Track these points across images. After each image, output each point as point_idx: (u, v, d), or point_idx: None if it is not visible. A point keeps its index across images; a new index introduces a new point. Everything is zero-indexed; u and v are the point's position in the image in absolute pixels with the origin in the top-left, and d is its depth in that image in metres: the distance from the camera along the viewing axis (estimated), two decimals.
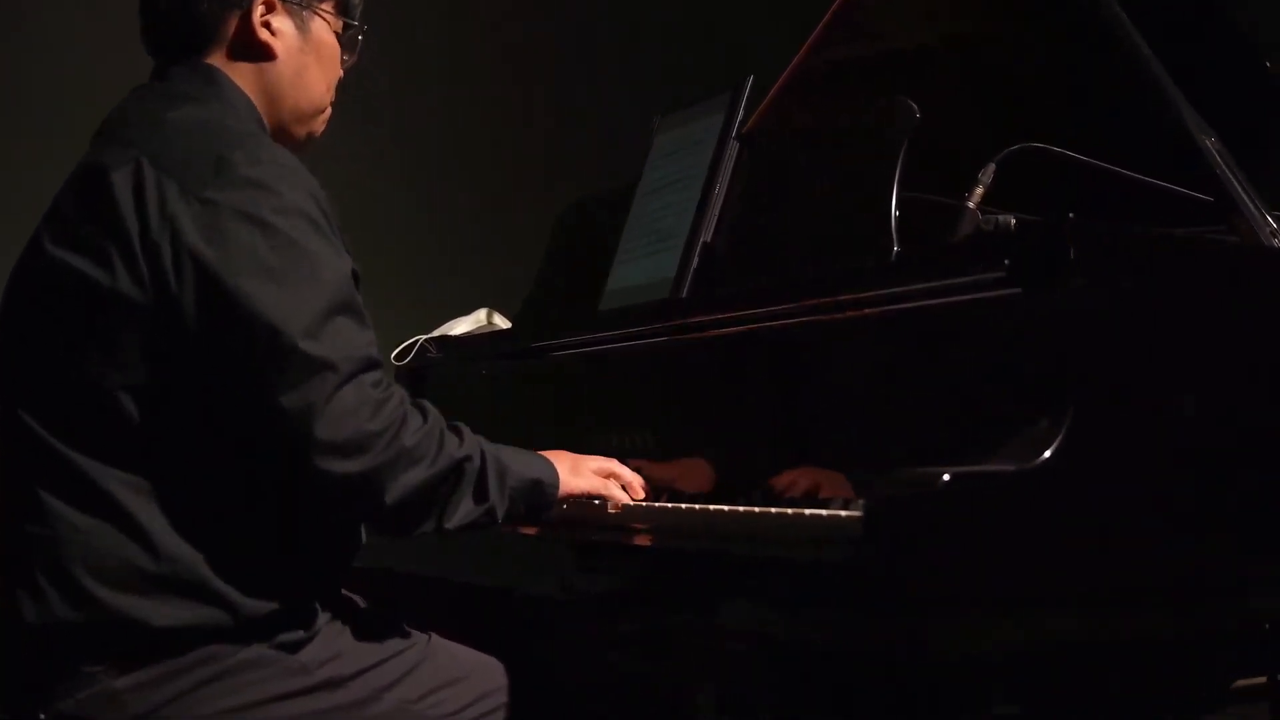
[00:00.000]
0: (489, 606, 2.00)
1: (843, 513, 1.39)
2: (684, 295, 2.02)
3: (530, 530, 1.84)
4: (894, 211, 1.77)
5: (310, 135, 1.77)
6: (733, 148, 2.13)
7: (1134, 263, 1.48)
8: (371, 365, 1.54)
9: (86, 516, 1.49)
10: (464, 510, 1.61)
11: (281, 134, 1.72)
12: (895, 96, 1.88)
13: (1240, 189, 1.82)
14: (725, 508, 1.57)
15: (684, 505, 1.68)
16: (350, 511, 1.58)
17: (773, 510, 1.51)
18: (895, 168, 1.81)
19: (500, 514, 1.65)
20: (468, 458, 1.61)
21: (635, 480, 1.82)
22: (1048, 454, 1.33)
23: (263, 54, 1.68)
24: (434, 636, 1.79)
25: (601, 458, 1.81)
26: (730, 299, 1.86)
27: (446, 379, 2.58)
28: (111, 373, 1.50)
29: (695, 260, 2.07)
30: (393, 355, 2.58)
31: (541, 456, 1.75)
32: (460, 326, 2.66)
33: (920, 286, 1.55)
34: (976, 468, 1.32)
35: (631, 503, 1.79)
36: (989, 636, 1.31)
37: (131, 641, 1.50)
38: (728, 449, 1.81)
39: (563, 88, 3.44)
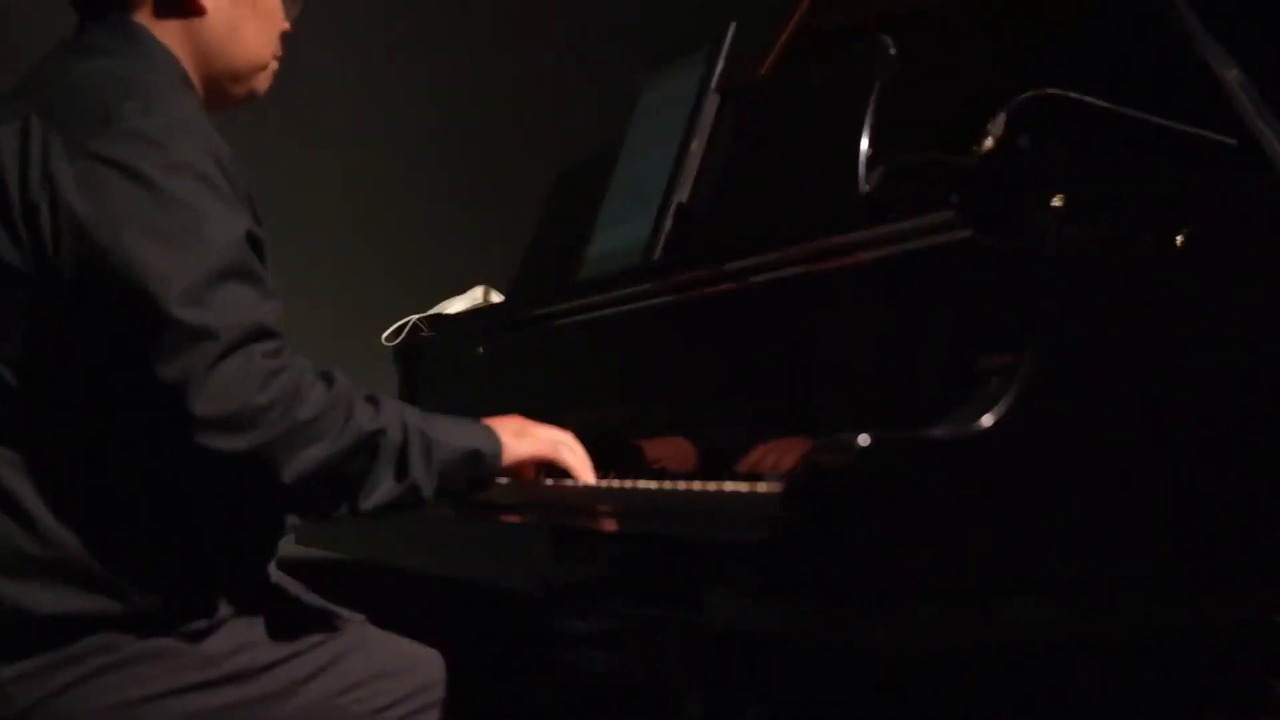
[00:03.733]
0: (428, 594, 1.86)
1: (761, 487, 1.23)
2: (654, 260, 1.87)
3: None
4: (863, 154, 1.59)
5: (252, 93, 1.66)
6: (712, 102, 1.98)
7: (1110, 196, 1.29)
8: (263, 334, 1.41)
9: None
10: (383, 489, 1.47)
11: (219, 93, 1.62)
12: (873, 37, 1.70)
13: (1263, 125, 1.61)
14: (654, 485, 1.43)
15: (613, 484, 1.53)
16: (247, 491, 1.46)
17: (695, 487, 1.35)
18: (867, 110, 1.63)
19: (427, 491, 1.51)
20: (380, 430, 1.47)
21: (583, 459, 1.67)
22: (986, 421, 1.15)
23: (189, 9, 1.57)
24: (367, 626, 1.67)
25: (557, 429, 1.66)
26: (676, 264, 1.71)
27: (439, 358, 2.48)
28: None
29: (669, 223, 1.93)
30: (383, 336, 2.50)
31: (483, 425, 1.60)
32: (456, 305, 2.55)
33: (860, 236, 1.38)
34: (902, 433, 1.14)
35: (585, 481, 1.63)
36: (922, 628, 1.13)
37: (16, 629, 1.40)
38: (687, 424, 1.67)
39: (554, 50, 3.30)
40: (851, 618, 1.10)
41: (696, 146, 1.95)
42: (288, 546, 2.41)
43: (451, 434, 1.54)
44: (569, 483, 1.59)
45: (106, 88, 1.45)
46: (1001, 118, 1.81)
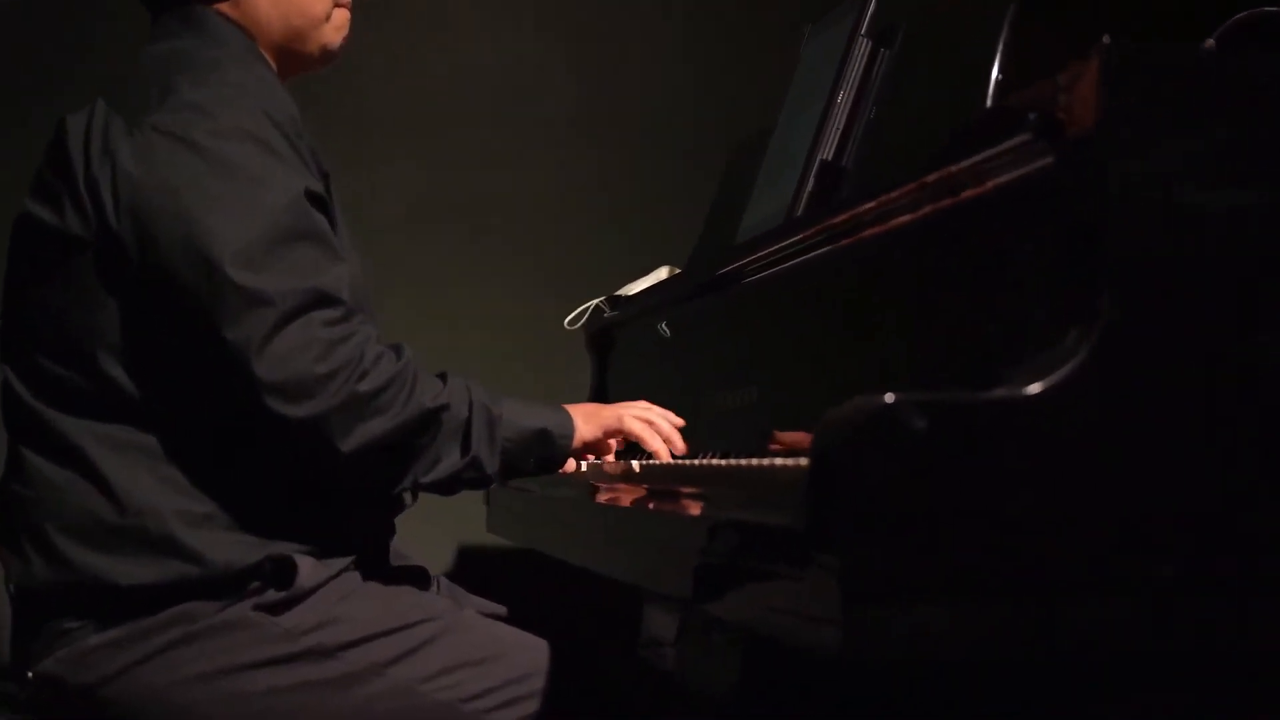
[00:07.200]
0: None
1: (790, 462, 1.06)
2: (783, 222, 1.71)
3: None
4: (993, 77, 1.37)
5: (325, 48, 1.64)
6: (862, 48, 1.79)
7: (1224, 107, 1.03)
8: (323, 300, 1.39)
9: (60, 472, 1.44)
10: (446, 464, 1.46)
11: (292, 56, 1.62)
12: None
13: None
14: (699, 462, 1.28)
15: (680, 462, 1.39)
16: (307, 459, 1.43)
17: (751, 463, 1.19)
18: (1001, 29, 1.41)
19: (490, 467, 1.49)
20: (444, 406, 1.45)
21: (653, 430, 1.60)
22: (1036, 387, 0.94)
23: None
24: (467, 611, 1.61)
25: (631, 404, 1.62)
26: (798, 224, 1.55)
27: (628, 338, 2.39)
28: (73, 317, 1.45)
29: (811, 182, 1.76)
30: (565, 321, 2.45)
31: (555, 407, 1.58)
32: (640, 287, 2.46)
33: (944, 174, 1.18)
34: (936, 394, 0.95)
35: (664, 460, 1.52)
36: (948, 633, 0.94)
37: (101, 599, 1.43)
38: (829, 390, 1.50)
39: (748, 27, 3.15)
40: (861, 616, 0.92)
41: (843, 98, 1.78)
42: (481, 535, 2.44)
43: (519, 413, 1.53)
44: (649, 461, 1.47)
45: (164, 66, 1.48)
46: (1210, 44, 1.56)
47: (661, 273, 2.48)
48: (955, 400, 0.95)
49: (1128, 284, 0.98)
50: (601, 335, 2.48)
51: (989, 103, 1.35)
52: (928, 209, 1.24)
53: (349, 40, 1.65)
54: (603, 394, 2.47)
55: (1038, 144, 1.06)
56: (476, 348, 2.85)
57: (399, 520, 1.67)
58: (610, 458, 1.64)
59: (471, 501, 2.18)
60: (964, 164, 1.15)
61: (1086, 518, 0.93)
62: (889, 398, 0.94)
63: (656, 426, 1.60)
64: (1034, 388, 0.94)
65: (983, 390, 0.97)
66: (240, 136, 1.40)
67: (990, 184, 1.14)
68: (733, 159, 2.32)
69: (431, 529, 2.46)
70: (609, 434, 1.60)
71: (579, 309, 2.44)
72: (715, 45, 3.19)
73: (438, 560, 2.85)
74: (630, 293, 2.44)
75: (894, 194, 1.28)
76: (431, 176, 3.04)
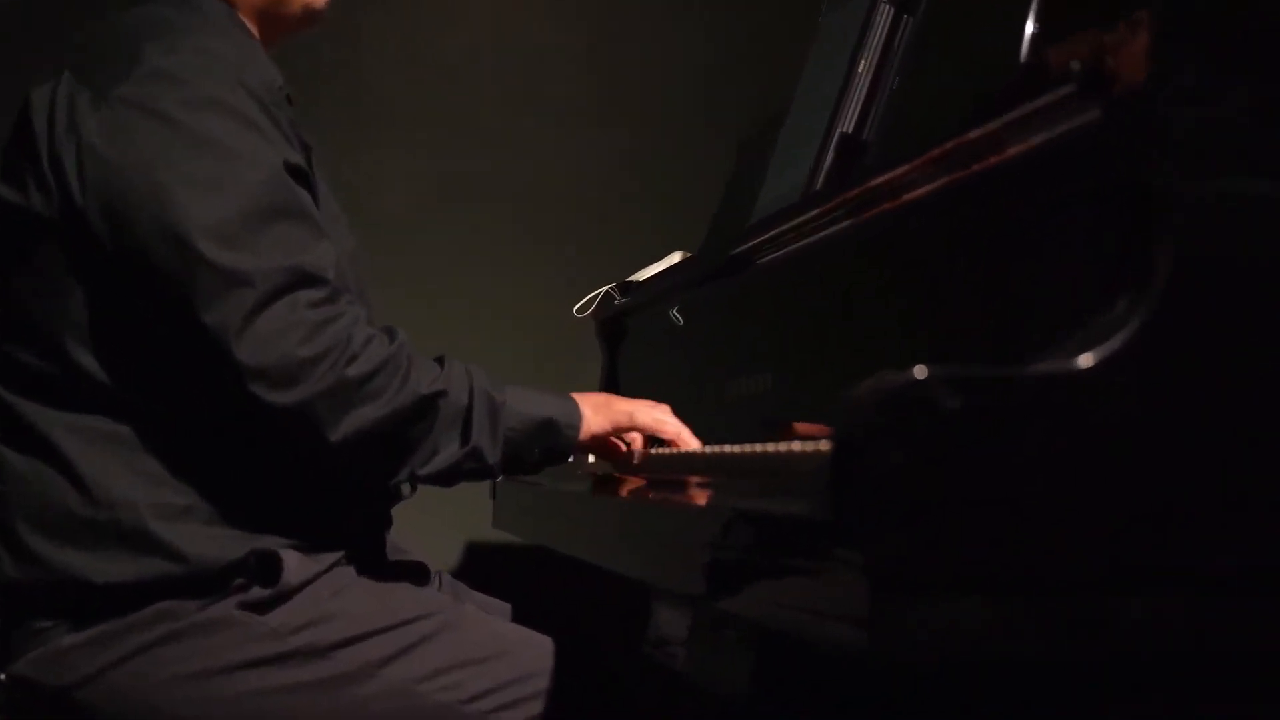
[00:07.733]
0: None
1: (809, 447, 0.97)
2: (797, 200, 1.62)
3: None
4: (1029, 30, 1.27)
5: (308, 7, 1.56)
6: (883, 14, 1.70)
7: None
8: (307, 280, 1.31)
9: (29, 464, 1.36)
10: (445, 454, 1.38)
11: (274, 20, 1.55)
12: None
13: None
14: (712, 450, 1.18)
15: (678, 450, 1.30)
16: (293, 449, 1.35)
17: (768, 449, 1.10)
18: None
19: (491, 457, 1.41)
20: (441, 393, 1.37)
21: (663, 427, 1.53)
22: (1087, 359, 0.85)
23: None
24: (469, 607, 1.53)
25: (646, 402, 1.54)
26: (813, 201, 1.46)
27: (639, 327, 2.31)
28: (40, 302, 1.37)
29: (830, 156, 1.67)
30: (575, 308, 2.36)
31: (563, 396, 1.50)
32: (652, 273, 2.37)
33: (983, 132, 1.08)
34: (967, 369, 0.86)
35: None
36: (987, 630, 0.85)
37: (75, 597, 1.35)
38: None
39: (752, 7, 3.07)
40: (888, 614, 0.83)
41: (864, 67, 1.68)
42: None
43: (523, 401, 1.45)
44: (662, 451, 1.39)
45: (134, 33, 1.40)
46: None
47: (674, 258, 2.40)
48: (993, 375, 0.86)
49: (1184, 246, 0.88)
50: (612, 322, 2.39)
51: (1024, 57, 1.25)
52: (960, 173, 1.15)
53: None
54: (614, 383, 2.39)
55: (1083, 96, 0.97)
56: (483, 335, 2.78)
57: (399, 515, 1.60)
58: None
59: (477, 495, 2.10)
60: (1003, 120, 1.06)
61: (1145, 504, 0.84)
62: (919, 372, 0.85)
63: (660, 424, 1.53)
64: (1084, 360, 0.85)
65: (1023, 364, 0.88)
66: (214, 107, 1.32)
67: (1030, 142, 1.05)
68: (747, 141, 2.23)
69: (436, 523, 2.40)
70: (619, 429, 1.53)
71: (588, 297, 2.36)
72: (729, 28, 3.11)
73: (442, 557, 2.77)
74: (641, 278, 2.36)
75: (922, 159, 1.19)
76: (440, 163, 2.97)
